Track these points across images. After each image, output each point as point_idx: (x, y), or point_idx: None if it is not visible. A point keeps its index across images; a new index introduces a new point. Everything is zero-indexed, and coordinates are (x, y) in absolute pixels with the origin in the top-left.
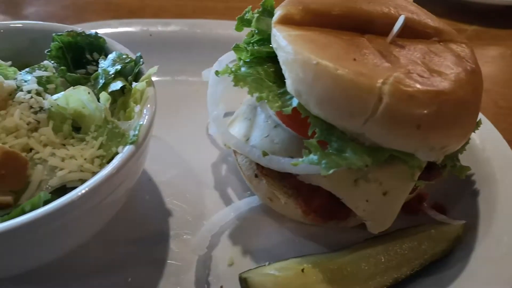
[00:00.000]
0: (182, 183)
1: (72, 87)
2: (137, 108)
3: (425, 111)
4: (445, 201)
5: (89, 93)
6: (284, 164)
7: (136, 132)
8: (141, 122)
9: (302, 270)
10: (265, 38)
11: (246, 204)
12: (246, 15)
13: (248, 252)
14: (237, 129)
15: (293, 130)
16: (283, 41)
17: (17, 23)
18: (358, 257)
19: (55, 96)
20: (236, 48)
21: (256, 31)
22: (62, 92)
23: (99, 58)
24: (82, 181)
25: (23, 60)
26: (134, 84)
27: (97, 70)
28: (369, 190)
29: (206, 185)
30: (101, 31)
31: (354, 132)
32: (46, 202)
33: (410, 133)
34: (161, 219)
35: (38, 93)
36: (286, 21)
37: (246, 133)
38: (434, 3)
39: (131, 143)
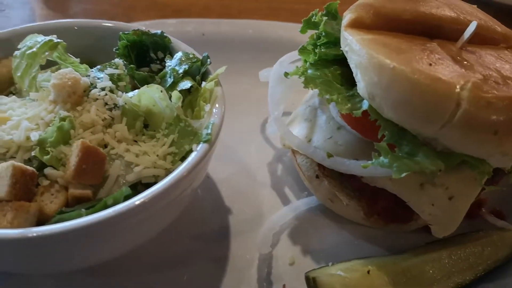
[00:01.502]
0: (239, 181)
1: (146, 85)
2: (207, 107)
3: (503, 118)
4: (502, 206)
5: (161, 91)
6: (350, 166)
7: (209, 130)
8: (213, 121)
9: (368, 272)
10: (332, 41)
11: (305, 204)
12: (313, 18)
13: (308, 252)
14: (297, 130)
15: (359, 133)
16: (356, 45)
17: (85, 21)
18: (422, 261)
19: (130, 94)
20: (302, 50)
21: (323, 34)
22: (137, 90)
23: (163, 57)
24: (156, 177)
25: (88, 58)
26: (203, 83)
27: (160, 69)
28: (435, 194)
29: (263, 184)
30: (154, 30)
31: (428, 137)
32: (126, 197)
33: (486, 139)
34: (220, 217)
35: (111, 91)
36: (357, 24)
37: (308, 134)
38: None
39: (205, 142)
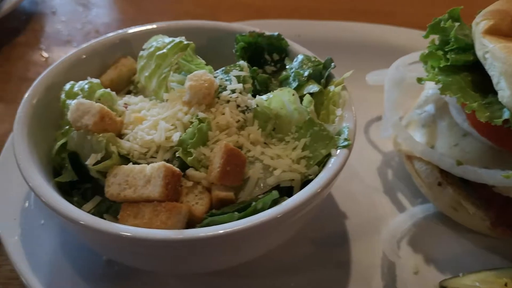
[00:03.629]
0: (349, 186)
1: (279, 88)
2: (338, 112)
3: None
4: None
5: (293, 94)
6: (482, 174)
7: (346, 135)
8: (349, 126)
9: (505, 284)
10: (462, 47)
11: (422, 212)
12: (441, 23)
13: (431, 261)
14: (415, 136)
15: (492, 141)
16: (500, 52)
17: (202, 22)
18: None
19: (264, 96)
20: (429, 56)
21: (452, 39)
22: (270, 93)
23: (278, 59)
24: (292, 181)
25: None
26: (331, 87)
27: (275, 71)
28: None
29: (375, 189)
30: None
31: None
32: (273, 201)
33: None
34: (337, 222)
35: (240, 93)
36: (494, 31)
37: (428, 140)
38: None
39: (343, 147)
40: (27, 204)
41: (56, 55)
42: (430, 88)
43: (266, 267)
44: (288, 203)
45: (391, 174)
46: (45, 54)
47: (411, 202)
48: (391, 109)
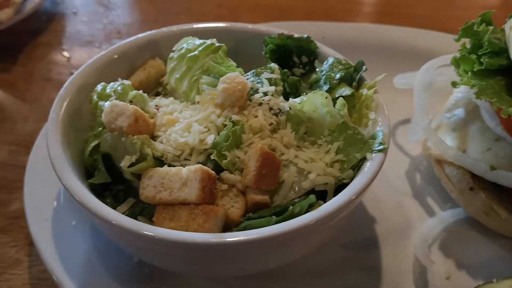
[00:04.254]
0: (378, 189)
1: (312, 91)
2: (371, 115)
3: None
4: None
5: (326, 97)
6: None
7: (380, 139)
8: (384, 130)
9: None
10: (495, 51)
11: (452, 216)
12: (474, 27)
13: (462, 266)
14: (445, 140)
15: None
16: None
17: (226, 25)
18: None
19: (297, 99)
20: (461, 59)
21: (486, 43)
22: (304, 96)
23: (307, 61)
24: (326, 185)
25: None
26: (364, 90)
27: (303, 73)
28: None
29: (404, 194)
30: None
31: None
32: (310, 206)
33: None
34: (366, 225)
35: (272, 95)
36: None
37: (459, 145)
38: None
39: (379, 151)
40: (58, 205)
41: (78, 55)
42: (459, 91)
43: (296, 271)
44: (327, 207)
45: (419, 178)
46: (66, 54)
47: (440, 207)
48: (421, 113)
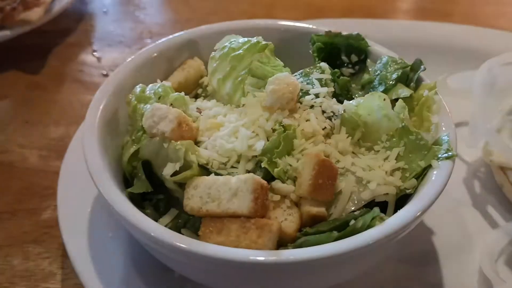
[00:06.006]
0: None
1: (370, 93)
2: (434, 119)
3: None
4: None
5: (384, 99)
6: None
7: (447, 146)
8: (449, 135)
9: None
10: None
11: None
12: None
13: None
14: (510, 145)
15: None
16: None
17: (269, 22)
18: None
19: (353, 102)
20: None
21: None
22: (360, 98)
23: (357, 61)
24: (386, 196)
25: None
26: (425, 92)
27: (353, 73)
28: None
29: (463, 203)
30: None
31: None
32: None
33: None
34: (423, 237)
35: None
36: None
37: None
38: None
39: (447, 158)
40: (93, 214)
41: (108, 56)
42: None
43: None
44: (394, 222)
45: (478, 186)
46: (97, 55)
47: (504, 217)
48: (482, 116)
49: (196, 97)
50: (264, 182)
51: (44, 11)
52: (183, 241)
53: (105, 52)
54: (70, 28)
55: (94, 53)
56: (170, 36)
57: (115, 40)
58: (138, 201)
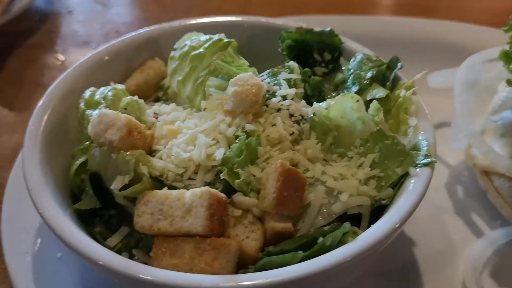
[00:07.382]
0: None
1: (341, 94)
2: (412, 122)
3: None
4: None
5: (357, 101)
6: None
7: (425, 151)
8: (428, 139)
9: None
10: None
11: (504, 236)
12: None
13: None
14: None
15: None
16: None
17: (235, 18)
18: None
19: (323, 104)
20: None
21: None
22: (331, 99)
23: (330, 59)
24: (360, 207)
25: None
26: (401, 92)
27: (326, 72)
28: None
29: (445, 210)
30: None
31: None
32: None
33: None
34: (404, 249)
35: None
36: None
37: (510, 153)
38: None
39: (425, 165)
40: (41, 234)
41: (73, 58)
42: (505, 90)
43: None
44: (366, 239)
45: (461, 191)
46: (61, 57)
47: (489, 225)
48: (464, 116)
49: (157, 100)
50: (222, 196)
51: (1, 11)
52: (130, 268)
53: (69, 53)
54: (33, 29)
55: (57, 55)
56: (128, 35)
57: (80, 41)
58: (87, 218)
